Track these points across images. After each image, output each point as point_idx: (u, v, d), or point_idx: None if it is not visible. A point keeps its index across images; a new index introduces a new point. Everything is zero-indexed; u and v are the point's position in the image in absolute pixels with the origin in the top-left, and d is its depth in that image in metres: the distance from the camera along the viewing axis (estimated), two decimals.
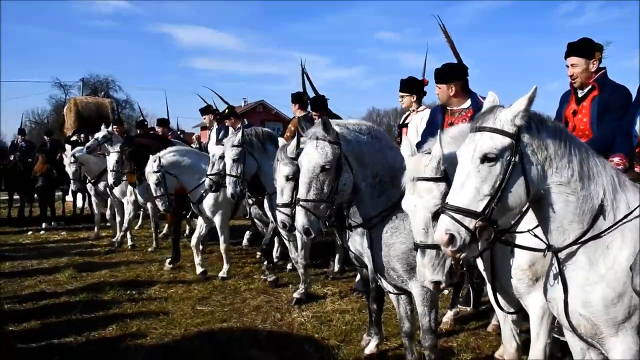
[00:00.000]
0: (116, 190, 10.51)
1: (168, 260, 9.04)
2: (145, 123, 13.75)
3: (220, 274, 8.20)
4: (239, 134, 6.92)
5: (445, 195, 2.99)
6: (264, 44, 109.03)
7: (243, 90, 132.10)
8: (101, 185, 11.28)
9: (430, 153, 3.22)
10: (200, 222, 8.59)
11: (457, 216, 2.54)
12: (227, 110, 9.62)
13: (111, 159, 9.93)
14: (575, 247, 2.72)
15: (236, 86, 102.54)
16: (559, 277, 2.80)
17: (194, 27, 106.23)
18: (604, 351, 2.79)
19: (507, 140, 2.57)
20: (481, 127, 2.63)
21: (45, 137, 15.46)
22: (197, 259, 8.36)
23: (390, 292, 4.45)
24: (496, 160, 2.55)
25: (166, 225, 11.73)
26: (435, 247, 3.07)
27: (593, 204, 2.70)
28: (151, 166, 8.11)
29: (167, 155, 8.30)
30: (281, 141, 5.71)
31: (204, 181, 7.72)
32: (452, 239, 2.53)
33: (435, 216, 3.02)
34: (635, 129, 3.53)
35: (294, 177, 5.01)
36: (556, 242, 2.75)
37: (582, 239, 2.69)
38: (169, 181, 8.14)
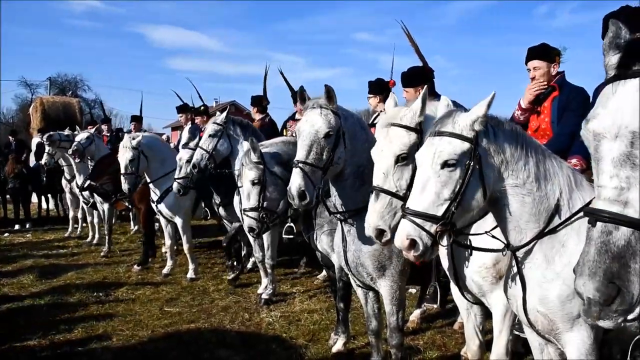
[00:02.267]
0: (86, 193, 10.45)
1: (137, 264, 8.99)
2: (110, 118, 13.62)
3: (189, 275, 8.15)
4: (224, 113, 6.92)
5: (413, 146, 3.11)
6: (243, 44, 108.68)
7: (219, 91, 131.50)
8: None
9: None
10: (163, 222, 8.51)
11: (418, 221, 2.56)
12: (202, 107, 9.63)
13: (82, 135, 10.06)
14: (532, 245, 2.77)
15: (212, 86, 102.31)
16: (518, 275, 2.85)
17: (171, 27, 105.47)
18: (560, 345, 2.87)
19: (466, 145, 2.60)
20: (440, 131, 2.65)
21: (10, 138, 15.14)
22: (191, 263, 8.28)
23: (360, 286, 4.46)
24: (456, 166, 2.58)
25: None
26: (392, 194, 3.17)
27: (549, 204, 2.76)
28: (129, 142, 7.93)
29: (147, 136, 8.26)
30: (245, 145, 5.71)
31: (166, 176, 7.89)
32: (413, 243, 2.57)
33: (397, 161, 3.17)
34: None
35: (259, 182, 5.02)
36: (514, 241, 2.80)
37: (538, 236, 2.75)
38: (141, 162, 8.00)
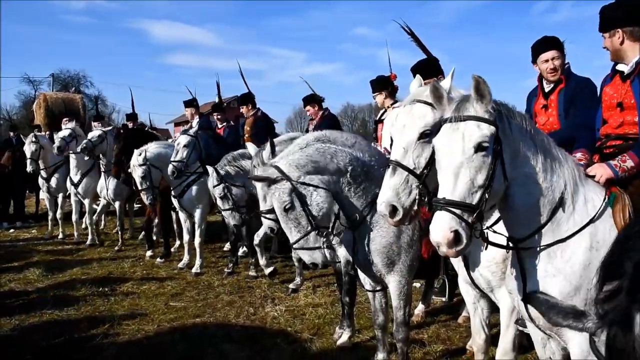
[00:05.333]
0: (80, 189, 10.52)
1: (159, 257, 9.19)
2: (103, 116, 13.59)
3: (194, 270, 8.21)
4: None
5: (436, 125, 3.02)
6: (242, 40, 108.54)
7: (220, 86, 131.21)
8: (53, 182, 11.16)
9: None
10: (182, 217, 8.64)
11: (457, 211, 2.43)
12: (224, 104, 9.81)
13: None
14: (535, 238, 2.76)
15: (212, 82, 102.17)
16: (518, 268, 2.84)
17: (171, 22, 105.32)
18: (563, 342, 2.86)
19: (492, 129, 2.54)
20: (466, 116, 2.56)
21: (11, 133, 15.09)
22: (198, 258, 8.40)
23: (369, 291, 4.54)
24: (488, 150, 2.50)
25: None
26: (409, 171, 3.11)
27: (554, 197, 2.74)
28: (136, 159, 8.16)
29: (152, 148, 8.38)
30: (251, 147, 5.72)
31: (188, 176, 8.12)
32: (457, 236, 2.42)
33: (420, 137, 3.14)
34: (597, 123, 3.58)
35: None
36: (516, 234, 2.79)
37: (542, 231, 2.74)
38: (154, 174, 8.21)
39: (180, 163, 7.78)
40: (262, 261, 7.61)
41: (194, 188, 8.24)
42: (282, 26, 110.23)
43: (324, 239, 3.90)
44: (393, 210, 3.12)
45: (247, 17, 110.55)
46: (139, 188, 8.29)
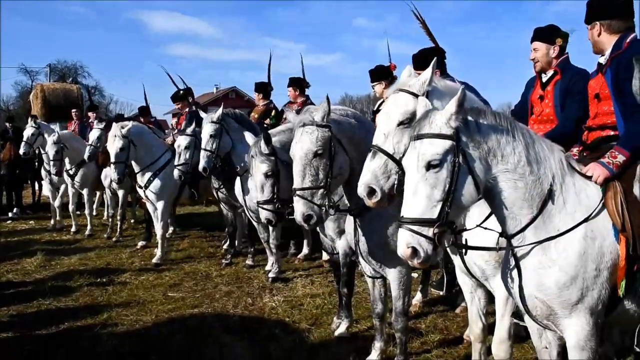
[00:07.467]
0: (77, 180, 10.49)
1: (141, 240, 9.37)
2: (97, 105, 13.39)
3: (154, 260, 8.26)
4: (219, 111, 7.11)
5: (414, 113, 3.08)
6: (241, 31, 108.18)
7: (218, 77, 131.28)
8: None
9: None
10: (151, 210, 8.61)
11: (415, 227, 2.54)
12: (181, 92, 9.61)
13: (93, 135, 9.78)
14: (527, 232, 2.78)
15: (212, 73, 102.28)
16: (514, 261, 2.86)
17: (169, 12, 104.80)
18: (559, 331, 2.88)
19: (447, 143, 2.57)
20: (420, 134, 2.62)
21: (8, 124, 15.01)
22: (159, 250, 8.48)
23: (369, 276, 4.56)
24: (441, 165, 2.56)
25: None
26: (389, 155, 3.22)
27: (542, 189, 2.76)
28: (119, 131, 8.05)
29: (135, 125, 8.38)
30: (249, 136, 5.69)
31: (152, 164, 8.22)
32: (415, 251, 2.53)
33: (399, 124, 3.25)
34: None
35: (273, 174, 5.00)
36: (509, 229, 2.81)
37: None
38: (131, 151, 8.14)
39: (185, 166, 7.64)
40: (276, 265, 7.39)
41: (158, 179, 8.20)
42: (282, 17, 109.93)
43: (326, 202, 3.80)
44: (371, 191, 3.23)
45: (247, 9, 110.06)
46: (113, 160, 8.12)
